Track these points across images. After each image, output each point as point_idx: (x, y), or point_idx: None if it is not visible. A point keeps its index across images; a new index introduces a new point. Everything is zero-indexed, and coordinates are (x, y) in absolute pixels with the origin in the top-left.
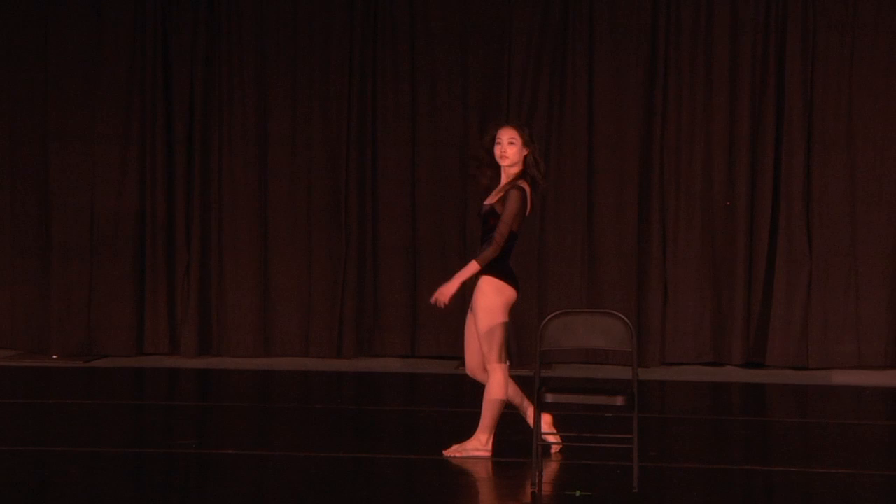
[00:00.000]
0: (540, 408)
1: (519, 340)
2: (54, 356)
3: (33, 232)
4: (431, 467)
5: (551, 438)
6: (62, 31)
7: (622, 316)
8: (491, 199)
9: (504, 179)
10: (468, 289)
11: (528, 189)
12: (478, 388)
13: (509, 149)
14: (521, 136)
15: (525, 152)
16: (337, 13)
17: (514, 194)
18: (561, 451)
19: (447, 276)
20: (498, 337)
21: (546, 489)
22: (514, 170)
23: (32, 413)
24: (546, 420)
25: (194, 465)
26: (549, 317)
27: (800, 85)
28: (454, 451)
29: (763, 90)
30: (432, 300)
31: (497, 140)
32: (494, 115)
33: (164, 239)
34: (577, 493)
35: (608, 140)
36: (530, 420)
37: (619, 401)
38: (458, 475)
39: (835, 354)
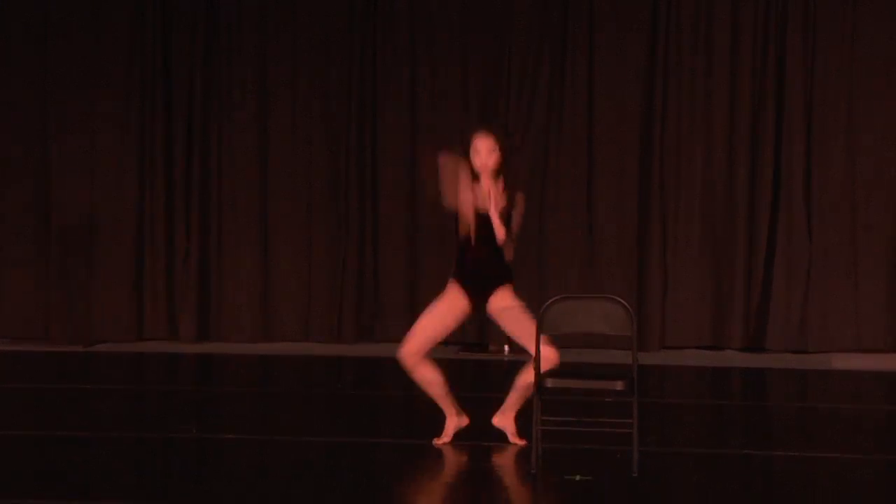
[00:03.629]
0: (540, 393)
1: None
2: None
3: (33, 219)
4: (431, 452)
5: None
6: (62, 22)
7: (622, 301)
8: (494, 204)
9: (486, 180)
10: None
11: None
12: (479, 373)
13: (490, 159)
14: (499, 143)
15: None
16: (337, 1)
17: (522, 198)
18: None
19: (447, 263)
20: None
21: (545, 473)
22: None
23: (32, 398)
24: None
25: (194, 450)
26: (549, 302)
27: (800, 75)
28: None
29: (763, 80)
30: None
31: (476, 150)
32: (495, 104)
33: (163, 224)
34: (577, 477)
35: (609, 127)
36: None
37: (618, 385)
38: (458, 460)
39: (834, 338)
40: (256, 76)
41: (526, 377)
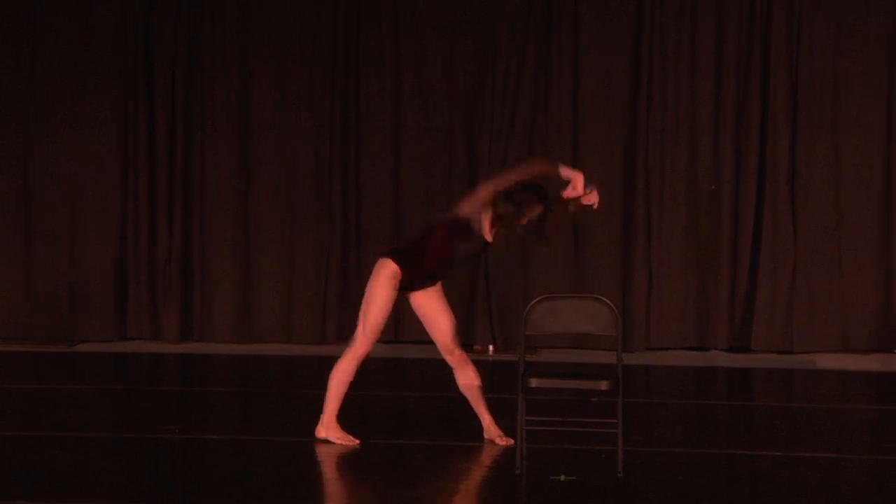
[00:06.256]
0: (525, 393)
1: (503, 325)
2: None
3: (14, 217)
4: (416, 452)
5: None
6: (48, 17)
7: (607, 301)
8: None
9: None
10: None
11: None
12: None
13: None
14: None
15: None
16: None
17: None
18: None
19: None
20: None
21: (530, 473)
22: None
23: (15, 398)
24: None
25: (178, 451)
26: (534, 301)
27: (785, 69)
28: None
29: (748, 75)
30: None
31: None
32: (480, 100)
33: (146, 224)
34: (562, 477)
35: (593, 124)
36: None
37: (603, 385)
38: (444, 459)
39: (820, 338)
40: (240, 75)
41: (463, 381)
